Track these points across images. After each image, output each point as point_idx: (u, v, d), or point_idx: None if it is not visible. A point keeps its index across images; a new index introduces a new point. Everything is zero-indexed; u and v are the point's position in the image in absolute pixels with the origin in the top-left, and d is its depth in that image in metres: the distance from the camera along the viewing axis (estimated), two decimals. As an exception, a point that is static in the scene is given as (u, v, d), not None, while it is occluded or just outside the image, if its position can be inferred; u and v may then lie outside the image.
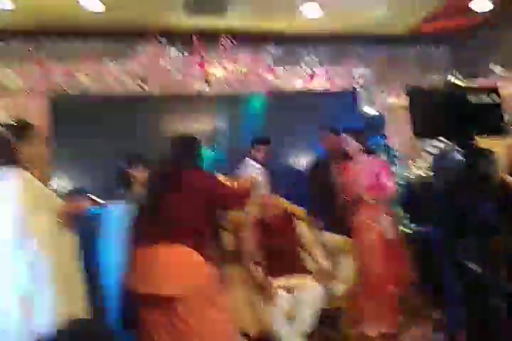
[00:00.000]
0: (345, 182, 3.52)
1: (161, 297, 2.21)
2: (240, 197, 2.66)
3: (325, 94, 4.74)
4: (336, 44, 5.39)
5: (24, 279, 1.98)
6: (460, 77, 5.23)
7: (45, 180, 2.36)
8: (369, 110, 4.93)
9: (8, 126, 2.19)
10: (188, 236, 2.28)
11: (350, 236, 3.39)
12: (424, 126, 0.75)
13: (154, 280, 2.24)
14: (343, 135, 3.52)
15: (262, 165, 3.92)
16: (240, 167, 3.91)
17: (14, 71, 4.00)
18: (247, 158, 3.93)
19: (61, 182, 3.92)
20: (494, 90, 0.78)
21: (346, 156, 3.56)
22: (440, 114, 0.72)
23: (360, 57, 5.26)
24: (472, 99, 0.74)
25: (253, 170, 3.82)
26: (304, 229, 3.50)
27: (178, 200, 2.35)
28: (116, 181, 3.16)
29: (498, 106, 0.71)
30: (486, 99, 0.74)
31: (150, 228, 2.34)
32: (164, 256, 2.26)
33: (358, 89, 4.95)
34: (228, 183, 2.79)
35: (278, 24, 4.92)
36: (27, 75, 4.01)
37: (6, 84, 3.98)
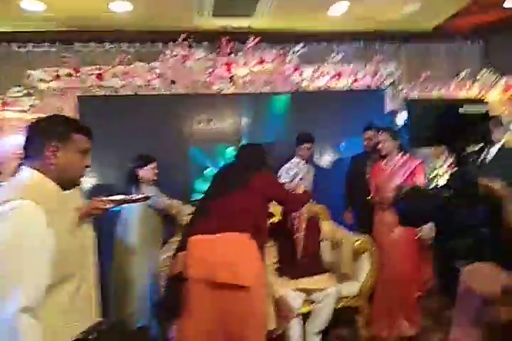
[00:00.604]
0: (376, 181, 3.49)
1: (219, 283, 2.32)
2: (298, 203, 2.91)
3: (351, 93, 4.69)
4: (362, 41, 5.36)
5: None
6: (492, 72, 5.08)
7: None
8: (397, 108, 4.84)
9: None
10: (247, 228, 2.44)
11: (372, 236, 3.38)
12: (420, 137, 0.79)
13: (212, 266, 2.36)
14: (379, 133, 3.48)
15: (306, 162, 4.09)
16: (287, 165, 4.06)
17: (47, 73, 4.16)
18: (294, 157, 4.08)
19: (87, 180, 4.08)
20: (482, 101, 0.80)
21: (381, 155, 3.54)
22: (434, 125, 0.75)
23: (387, 55, 5.19)
24: (462, 110, 0.76)
25: (301, 169, 4.01)
26: (329, 228, 3.50)
27: (244, 197, 2.53)
28: (126, 180, 3.34)
29: (486, 116, 0.73)
30: (476, 109, 0.76)
31: (212, 220, 2.49)
32: (225, 243, 2.41)
33: (385, 88, 4.86)
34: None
35: (304, 23, 4.93)
36: (59, 77, 4.16)
37: (39, 86, 4.15)
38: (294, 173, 4.00)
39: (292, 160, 4.08)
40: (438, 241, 0.71)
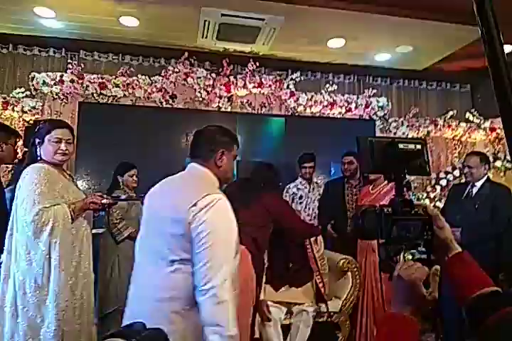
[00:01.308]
0: (360, 205, 3.59)
1: None
2: (305, 231, 3.02)
3: (343, 121, 4.87)
4: (356, 75, 5.60)
5: (40, 266, 2.08)
6: (477, 115, 5.34)
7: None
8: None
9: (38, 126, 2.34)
10: (245, 240, 2.46)
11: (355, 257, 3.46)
12: (368, 166, 1.03)
13: None
14: None
15: (308, 181, 4.21)
16: (290, 186, 4.20)
17: (52, 78, 4.24)
18: (298, 178, 4.23)
19: (83, 183, 4.12)
20: (421, 141, 1.06)
21: (367, 180, 3.70)
22: (379, 156, 0.99)
23: (379, 90, 5.42)
24: (402, 146, 1.01)
25: (303, 189, 4.17)
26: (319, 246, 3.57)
27: (249, 213, 2.61)
28: (110, 186, 3.45)
29: (421, 153, 1.00)
30: (411, 147, 1.01)
31: None
32: None
33: (375, 119, 5.06)
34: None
35: (303, 54, 5.14)
36: (63, 82, 4.24)
37: (43, 89, 4.22)
38: (292, 193, 4.14)
39: (296, 181, 4.24)
40: (381, 250, 0.87)
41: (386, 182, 3.51)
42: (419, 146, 1.09)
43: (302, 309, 3.06)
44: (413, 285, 0.88)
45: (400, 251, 0.98)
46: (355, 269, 3.31)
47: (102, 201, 2.23)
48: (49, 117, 4.09)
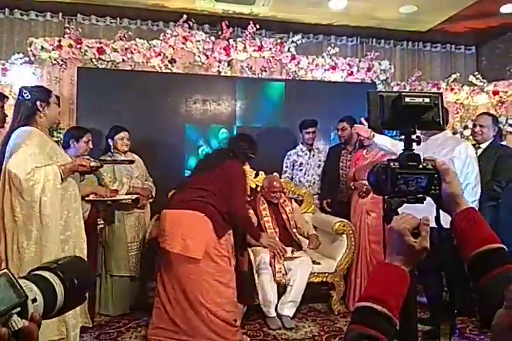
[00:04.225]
0: (354, 169, 3.64)
1: (173, 253, 2.58)
2: (239, 212, 2.84)
3: (344, 85, 4.82)
4: (359, 38, 5.49)
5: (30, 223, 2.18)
6: (480, 78, 5.25)
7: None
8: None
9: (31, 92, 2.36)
10: (206, 209, 2.63)
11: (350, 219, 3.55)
12: (376, 122, 1.00)
13: (170, 238, 2.61)
14: (362, 124, 3.59)
15: (308, 147, 4.24)
16: (290, 153, 4.25)
17: (50, 44, 4.20)
18: (299, 144, 4.27)
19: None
20: (432, 94, 1.01)
21: (361, 145, 3.71)
22: (388, 111, 0.96)
23: (382, 52, 5.33)
24: (408, 100, 0.97)
25: (303, 156, 4.23)
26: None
27: (210, 180, 2.72)
28: (102, 149, 3.52)
29: (433, 106, 0.95)
30: (419, 100, 0.97)
31: (183, 196, 2.72)
32: (183, 219, 2.63)
33: (377, 83, 5.00)
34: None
35: (304, 15, 5.03)
36: (61, 48, 4.21)
37: (41, 55, 4.20)
38: (292, 160, 4.20)
39: (296, 147, 4.27)
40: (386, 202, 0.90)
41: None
42: (427, 100, 1.02)
43: (299, 262, 3.21)
44: (401, 234, 0.90)
45: (402, 204, 1.00)
46: (351, 231, 3.39)
47: (91, 164, 2.32)
48: (48, 83, 4.09)
